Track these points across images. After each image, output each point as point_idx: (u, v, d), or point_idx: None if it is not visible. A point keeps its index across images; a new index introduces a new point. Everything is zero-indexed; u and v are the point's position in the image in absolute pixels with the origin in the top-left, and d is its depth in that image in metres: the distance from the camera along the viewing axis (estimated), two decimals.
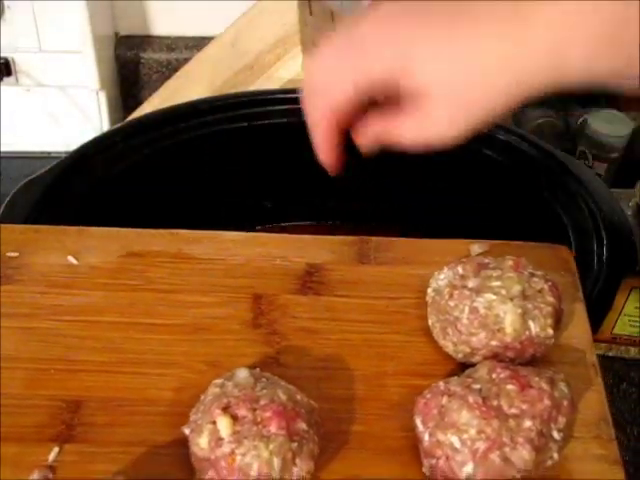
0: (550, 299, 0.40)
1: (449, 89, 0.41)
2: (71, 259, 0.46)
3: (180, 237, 0.48)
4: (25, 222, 0.55)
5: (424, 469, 0.37)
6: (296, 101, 0.68)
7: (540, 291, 0.40)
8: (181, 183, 0.66)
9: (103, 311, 0.43)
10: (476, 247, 0.47)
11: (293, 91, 0.71)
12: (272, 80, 0.78)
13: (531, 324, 0.39)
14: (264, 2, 0.93)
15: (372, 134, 0.45)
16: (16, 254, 0.46)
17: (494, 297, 0.39)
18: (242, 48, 0.87)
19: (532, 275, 0.41)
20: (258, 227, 0.70)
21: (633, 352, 0.71)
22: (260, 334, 0.43)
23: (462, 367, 0.40)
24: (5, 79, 0.96)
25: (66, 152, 0.63)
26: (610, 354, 0.71)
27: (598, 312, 0.52)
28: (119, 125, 0.70)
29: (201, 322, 0.43)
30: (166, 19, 1.04)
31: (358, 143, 0.46)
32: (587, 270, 0.52)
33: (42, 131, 1.01)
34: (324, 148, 0.45)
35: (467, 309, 0.39)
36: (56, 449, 0.37)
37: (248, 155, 0.67)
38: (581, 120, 0.93)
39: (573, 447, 0.38)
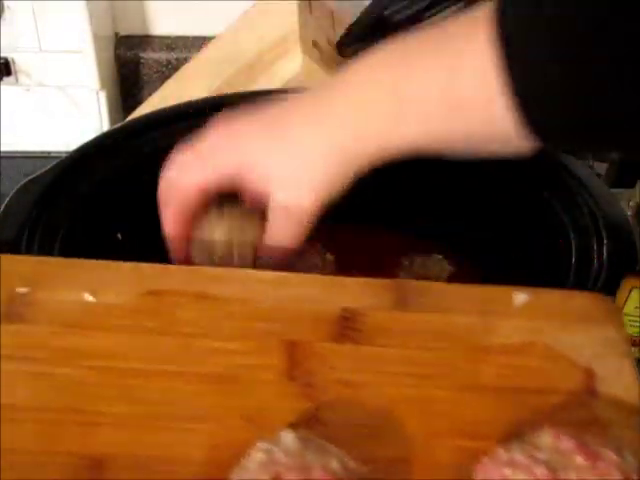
0: None
1: (283, 173, 0.46)
2: (87, 296, 0.43)
3: (202, 274, 0.45)
4: (25, 222, 0.55)
5: None
6: None
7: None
8: None
9: (123, 356, 0.40)
10: (520, 296, 0.45)
11: (293, 91, 0.71)
12: (272, 80, 0.78)
13: None
14: (264, 2, 0.93)
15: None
16: (27, 290, 0.42)
17: None
18: (242, 48, 0.87)
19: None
20: None
21: (633, 352, 0.71)
22: (297, 386, 0.40)
23: (517, 428, 0.38)
24: (5, 79, 0.96)
25: (66, 152, 0.63)
26: None
27: None
28: (119, 125, 0.70)
29: (231, 372, 0.40)
30: (166, 19, 1.04)
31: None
32: (587, 270, 0.52)
33: (42, 131, 1.01)
34: (175, 247, 0.50)
35: None
36: None
37: None
38: None
39: None
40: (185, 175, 0.49)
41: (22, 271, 0.44)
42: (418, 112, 0.43)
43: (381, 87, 0.43)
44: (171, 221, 0.50)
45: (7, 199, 0.57)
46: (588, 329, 0.43)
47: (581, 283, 0.51)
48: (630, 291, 0.67)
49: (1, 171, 0.91)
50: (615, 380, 0.41)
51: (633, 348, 0.71)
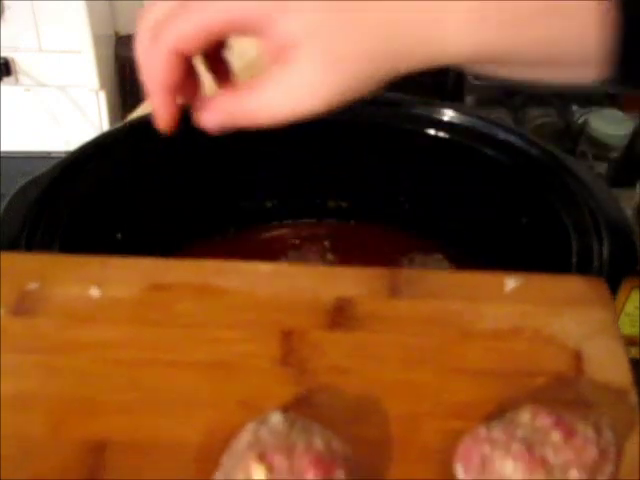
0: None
1: (318, 43, 0.36)
2: (93, 291, 0.44)
3: (205, 268, 0.46)
4: (25, 223, 0.55)
5: None
6: None
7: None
8: (181, 183, 0.66)
9: (127, 347, 0.42)
10: (510, 281, 0.46)
11: None
12: None
13: None
14: None
15: (221, 110, 0.41)
16: (36, 285, 0.44)
17: None
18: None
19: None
20: (257, 226, 0.70)
21: (633, 352, 0.71)
22: (290, 372, 0.41)
23: (501, 409, 0.39)
24: (5, 79, 0.96)
25: (66, 152, 0.63)
26: None
27: None
28: (119, 125, 0.70)
29: (229, 359, 0.41)
30: None
31: (202, 119, 0.41)
32: (587, 270, 0.52)
33: (42, 131, 1.01)
34: (159, 92, 0.40)
35: None
36: None
37: (248, 155, 0.67)
38: (581, 120, 0.93)
39: None
40: (187, 4, 0.38)
41: (32, 268, 0.46)
42: (514, 11, 0.35)
43: None
44: (159, 68, 0.39)
45: (7, 199, 0.57)
46: (578, 312, 0.44)
47: None
48: (630, 291, 0.67)
49: (1, 171, 0.91)
50: (603, 361, 0.41)
51: (633, 348, 0.71)
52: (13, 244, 0.53)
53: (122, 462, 0.37)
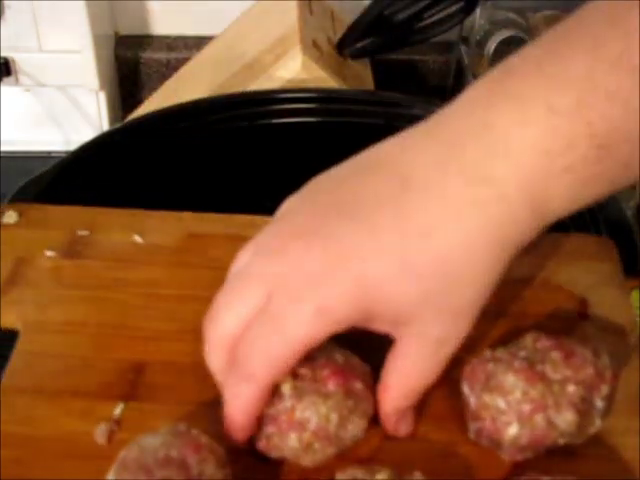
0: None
1: (430, 295, 0.34)
2: (137, 238, 0.49)
3: (237, 221, 0.51)
4: None
5: (470, 433, 0.38)
6: (296, 101, 0.68)
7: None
8: (181, 183, 0.66)
9: (165, 285, 0.46)
10: None
11: (293, 91, 0.71)
12: (272, 80, 0.78)
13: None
14: (264, 2, 0.93)
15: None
16: (87, 232, 0.49)
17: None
18: (242, 48, 0.87)
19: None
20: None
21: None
22: None
23: (507, 342, 0.40)
24: (5, 79, 0.96)
25: (66, 152, 0.63)
26: None
27: None
28: (119, 125, 0.70)
29: None
30: (166, 19, 1.04)
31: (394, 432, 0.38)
32: None
33: (42, 131, 1.01)
34: (246, 423, 0.36)
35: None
36: (121, 405, 0.39)
37: (248, 155, 0.67)
38: None
39: (615, 422, 0.39)
40: (267, 320, 0.35)
41: (82, 218, 0.51)
42: (594, 169, 0.33)
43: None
44: (248, 400, 0.35)
45: (7, 199, 0.57)
46: (585, 264, 0.47)
47: None
48: (630, 291, 0.67)
49: (1, 171, 0.91)
50: (608, 307, 0.45)
51: None
52: None
53: (158, 379, 0.41)
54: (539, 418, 0.35)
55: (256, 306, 0.35)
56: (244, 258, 0.39)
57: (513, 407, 0.36)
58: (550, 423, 0.35)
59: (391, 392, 0.37)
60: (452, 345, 0.36)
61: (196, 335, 0.41)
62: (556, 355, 0.37)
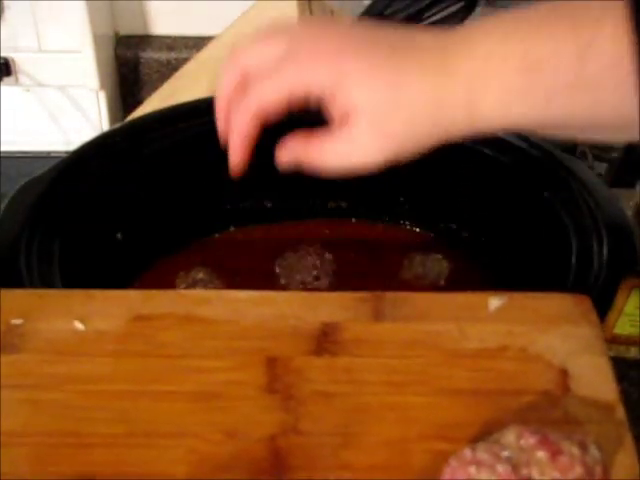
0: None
1: (373, 116, 0.42)
2: (78, 324, 0.45)
3: (188, 298, 0.47)
4: (25, 223, 0.55)
5: None
6: None
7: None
8: (181, 183, 0.66)
9: (112, 380, 0.42)
10: (495, 301, 0.46)
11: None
12: None
13: None
14: (264, 2, 0.93)
15: (293, 151, 0.46)
16: (21, 321, 0.45)
17: None
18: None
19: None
20: (258, 226, 0.70)
21: (633, 352, 0.71)
22: (276, 399, 0.41)
23: (488, 429, 0.39)
24: (5, 79, 0.96)
25: (66, 152, 0.63)
26: (610, 354, 0.71)
27: (598, 312, 0.52)
28: (119, 125, 0.70)
29: (214, 389, 0.42)
30: (166, 19, 1.04)
31: (277, 154, 0.47)
32: (587, 270, 0.52)
33: (42, 131, 1.01)
34: (239, 143, 0.46)
35: None
36: None
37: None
38: None
39: None
40: (273, 69, 0.44)
41: (15, 304, 0.46)
42: (545, 87, 0.39)
43: (509, 53, 0.40)
44: (242, 123, 0.45)
45: (7, 199, 0.57)
46: (563, 329, 0.44)
47: (581, 283, 0.51)
48: (630, 291, 0.67)
49: (1, 171, 0.91)
50: (589, 378, 0.42)
51: (633, 348, 0.71)
52: (13, 244, 0.53)
53: None
54: None
55: (278, 54, 0.44)
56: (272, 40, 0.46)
57: None
58: None
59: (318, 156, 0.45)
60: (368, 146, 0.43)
61: (149, 439, 0.39)
62: (542, 455, 0.34)
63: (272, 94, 0.44)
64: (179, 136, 0.65)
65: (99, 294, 0.47)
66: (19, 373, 0.42)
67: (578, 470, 0.34)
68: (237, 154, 0.46)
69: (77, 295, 0.46)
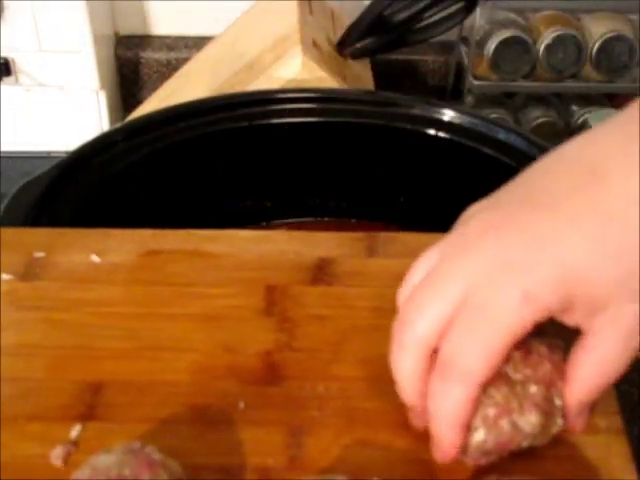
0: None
1: (629, 277, 0.33)
2: (94, 257, 0.48)
3: (196, 236, 0.50)
4: (25, 222, 0.55)
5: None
6: (296, 101, 0.68)
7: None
8: (181, 183, 0.66)
9: (123, 303, 0.45)
10: None
11: (293, 91, 0.71)
12: (272, 80, 0.78)
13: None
14: (264, 2, 0.93)
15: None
16: (42, 254, 0.48)
17: None
18: (242, 48, 0.87)
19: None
20: (257, 226, 0.70)
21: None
22: (273, 321, 0.44)
23: None
24: (5, 79, 0.96)
25: (66, 152, 0.63)
26: None
27: None
28: (119, 125, 0.70)
29: (216, 312, 0.45)
30: (166, 19, 1.05)
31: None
32: None
33: (42, 131, 1.01)
34: (449, 432, 0.35)
35: None
36: (78, 426, 0.39)
37: (248, 155, 0.67)
38: (581, 120, 0.93)
39: None
40: (464, 327, 0.34)
41: (38, 240, 0.49)
42: None
43: None
44: (454, 405, 0.34)
45: (7, 199, 0.57)
46: None
47: None
48: None
49: (1, 171, 0.91)
50: None
51: None
52: None
53: (116, 399, 0.40)
54: (504, 422, 0.34)
55: (454, 305, 0.34)
56: (424, 266, 0.37)
57: (478, 411, 0.34)
58: (515, 427, 0.35)
59: (578, 385, 0.35)
60: None
61: (155, 353, 0.42)
62: (515, 354, 0.35)
63: (481, 362, 0.34)
64: (179, 136, 0.65)
65: (115, 232, 0.50)
66: (39, 297, 0.45)
67: (547, 366, 0.36)
68: (447, 439, 0.35)
69: (95, 233, 0.50)
